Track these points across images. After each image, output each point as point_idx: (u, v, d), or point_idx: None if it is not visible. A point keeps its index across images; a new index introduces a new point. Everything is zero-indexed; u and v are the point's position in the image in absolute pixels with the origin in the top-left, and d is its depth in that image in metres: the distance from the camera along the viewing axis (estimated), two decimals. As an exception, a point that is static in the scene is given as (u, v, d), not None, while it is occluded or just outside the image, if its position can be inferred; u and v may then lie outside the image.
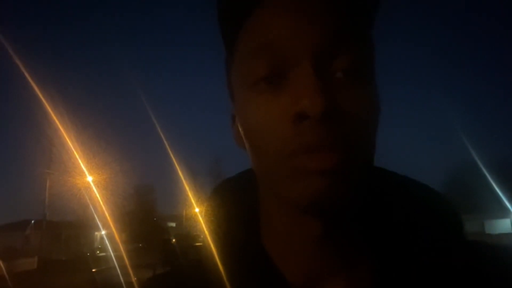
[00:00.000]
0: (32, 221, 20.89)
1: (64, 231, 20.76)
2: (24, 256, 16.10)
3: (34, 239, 19.14)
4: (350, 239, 0.42)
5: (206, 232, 0.50)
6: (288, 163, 0.37)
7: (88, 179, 19.65)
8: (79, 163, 18.97)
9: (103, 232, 20.55)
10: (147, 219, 24.67)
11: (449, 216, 0.45)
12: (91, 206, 18.76)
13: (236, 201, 0.50)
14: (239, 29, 0.41)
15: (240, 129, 0.43)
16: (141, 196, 25.62)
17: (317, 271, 0.42)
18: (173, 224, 29.02)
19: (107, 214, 18.03)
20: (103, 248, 19.84)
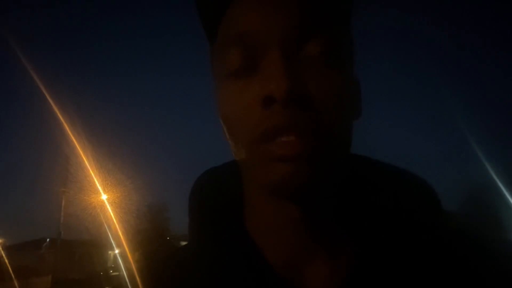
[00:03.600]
0: (47, 240, 21.00)
1: (78, 250, 20.80)
2: (39, 275, 16.14)
3: (48, 258, 19.19)
4: (330, 224, 0.43)
5: (191, 218, 0.50)
6: (258, 148, 0.39)
7: (102, 197, 19.77)
8: (95, 182, 19.13)
9: (116, 251, 20.55)
10: (160, 238, 24.59)
11: (429, 201, 0.46)
12: (105, 225, 18.82)
13: (221, 187, 0.50)
14: (218, 23, 0.43)
15: (219, 117, 0.44)
16: (155, 214, 25.61)
17: (298, 255, 0.43)
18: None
19: (120, 233, 18.06)
20: (116, 267, 19.79)
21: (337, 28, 0.41)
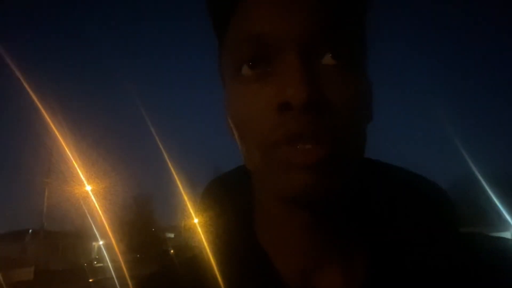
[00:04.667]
0: (30, 231, 20.75)
1: (62, 241, 20.63)
2: (21, 266, 15.92)
3: (31, 249, 18.99)
4: (343, 231, 0.42)
5: (200, 229, 0.49)
6: (272, 155, 0.37)
7: (86, 188, 19.58)
8: (78, 173, 18.91)
9: (100, 242, 20.43)
10: (145, 230, 24.52)
11: (445, 207, 0.45)
12: (89, 216, 18.65)
13: (230, 196, 0.49)
14: (229, 19, 0.41)
15: (229, 119, 0.43)
16: (140, 206, 25.51)
17: (311, 264, 0.42)
18: (172, 235, 28.83)
19: (105, 224, 17.93)
20: (101, 259, 19.68)
21: (356, 34, 0.40)
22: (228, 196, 0.50)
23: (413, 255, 0.42)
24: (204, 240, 0.48)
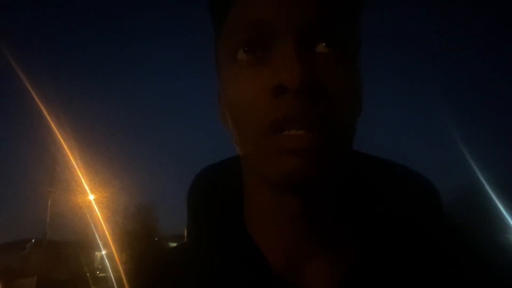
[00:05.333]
0: (33, 240, 20.72)
1: (64, 250, 20.54)
2: (23, 276, 15.90)
3: (33, 259, 18.94)
4: (331, 220, 0.43)
5: (189, 216, 0.49)
6: (265, 139, 0.38)
7: (89, 197, 19.56)
8: (82, 182, 18.92)
9: (103, 252, 20.36)
10: (149, 239, 24.43)
11: (429, 196, 0.46)
12: (92, 225, 18.62)
13: (220, 185, 0.49)
14: (228, 9, 0.42)
15: (223, 105, 0.43)
16: (143, 215, 25.45)
17: (299, 252, 0.43)
18: (175, 245, 28.75)
19: (107, 234, 17.88)
20: (103, 268, 19.62)
21: (350, 26, 0.41)
22: (218, 185, 0.49)
23: (399, 248, 0.42)
24: (193, 226, 0.47)
